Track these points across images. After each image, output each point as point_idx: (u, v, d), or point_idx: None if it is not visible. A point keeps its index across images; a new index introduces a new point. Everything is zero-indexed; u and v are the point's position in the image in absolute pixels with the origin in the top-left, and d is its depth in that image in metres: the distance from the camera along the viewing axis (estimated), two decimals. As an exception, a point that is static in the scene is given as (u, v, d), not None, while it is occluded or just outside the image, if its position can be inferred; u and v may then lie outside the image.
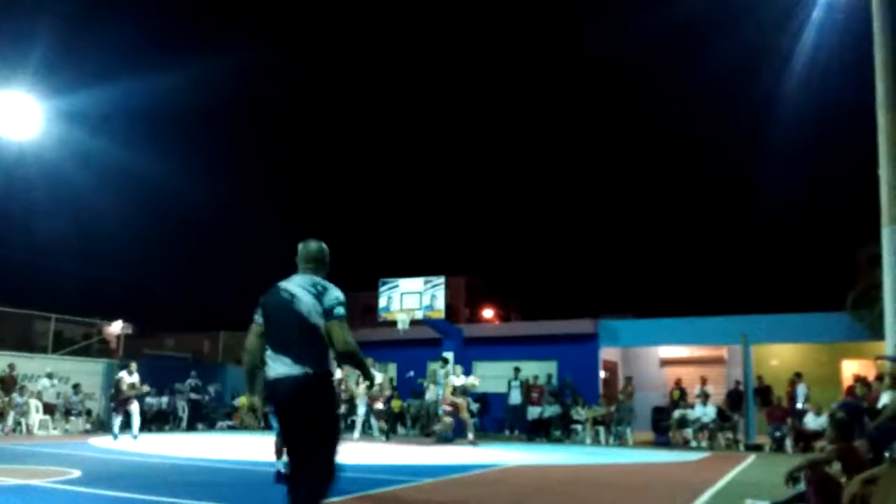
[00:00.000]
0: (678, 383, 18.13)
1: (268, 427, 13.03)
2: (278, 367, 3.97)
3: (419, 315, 18.67)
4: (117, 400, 14.46)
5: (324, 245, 4.34)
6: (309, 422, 3.93)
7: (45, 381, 17.46)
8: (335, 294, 4.06)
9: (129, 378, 13.80)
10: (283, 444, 7.80)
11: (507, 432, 18.84)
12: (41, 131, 17.82)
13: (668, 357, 21.92)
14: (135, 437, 14.06)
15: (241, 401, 22.03)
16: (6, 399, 16.20)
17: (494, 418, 19.59)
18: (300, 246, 4.33)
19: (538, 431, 18.17)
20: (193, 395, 20.17)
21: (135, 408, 14.28)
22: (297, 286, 4.12)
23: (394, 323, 18.87)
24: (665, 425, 17.16)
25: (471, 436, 14.87)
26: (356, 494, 3.88)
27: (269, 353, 4.06)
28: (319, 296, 4.03)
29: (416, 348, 19.79)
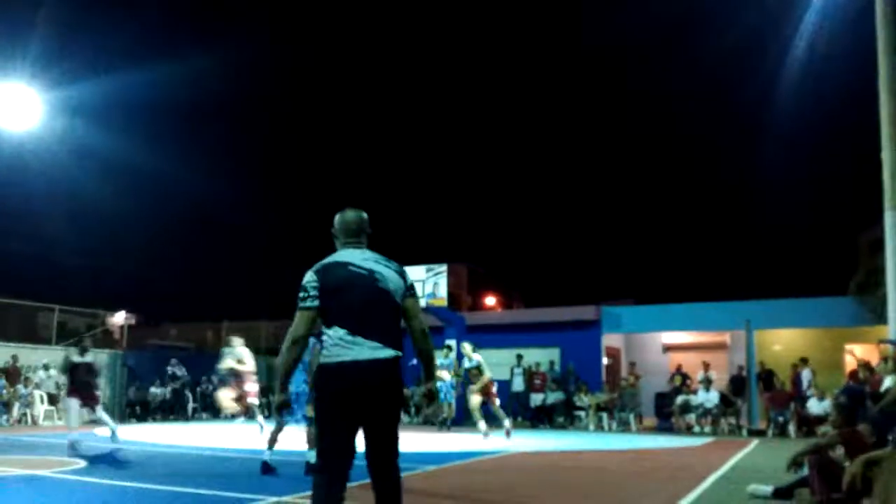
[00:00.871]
0: (679, 369, 18.16)
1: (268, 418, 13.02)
2: (362, 350, 3.55)
3: (421, 303, 18.67)
4: (70, 388, 10.71)
5: (363, 213, 3.93)
6: (394, 404, 3.68)
7: (41, 373, 17.46)
8: (408, 272, 3.89)
9: (80, 359, 10.54)
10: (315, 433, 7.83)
11: (510, 419, 18.86)
12: (42, 123, 17.83)
13: (671, 343, 21.95)
14: (109, 427, 11.05)
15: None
16: (11, 390, 16.29)
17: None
18: (338, 218, 3.89)
19: (541, 418, 18.23)
20: (172, 385, 19.91)
21: (74, 400, 10.55)
22: (372, 262, 3.73)
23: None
24: (668, 411, 17.19)
25: (507, 424, 13.64)
26: (359, 483, 3.90)
27: (342, 334, 3.57)
28: (401, 273, 3.76)
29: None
